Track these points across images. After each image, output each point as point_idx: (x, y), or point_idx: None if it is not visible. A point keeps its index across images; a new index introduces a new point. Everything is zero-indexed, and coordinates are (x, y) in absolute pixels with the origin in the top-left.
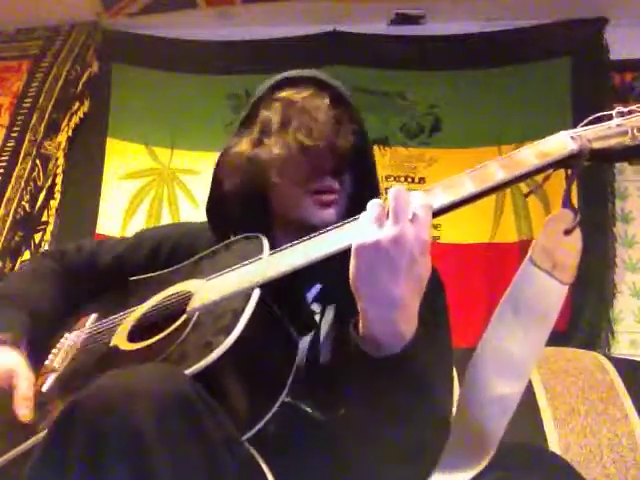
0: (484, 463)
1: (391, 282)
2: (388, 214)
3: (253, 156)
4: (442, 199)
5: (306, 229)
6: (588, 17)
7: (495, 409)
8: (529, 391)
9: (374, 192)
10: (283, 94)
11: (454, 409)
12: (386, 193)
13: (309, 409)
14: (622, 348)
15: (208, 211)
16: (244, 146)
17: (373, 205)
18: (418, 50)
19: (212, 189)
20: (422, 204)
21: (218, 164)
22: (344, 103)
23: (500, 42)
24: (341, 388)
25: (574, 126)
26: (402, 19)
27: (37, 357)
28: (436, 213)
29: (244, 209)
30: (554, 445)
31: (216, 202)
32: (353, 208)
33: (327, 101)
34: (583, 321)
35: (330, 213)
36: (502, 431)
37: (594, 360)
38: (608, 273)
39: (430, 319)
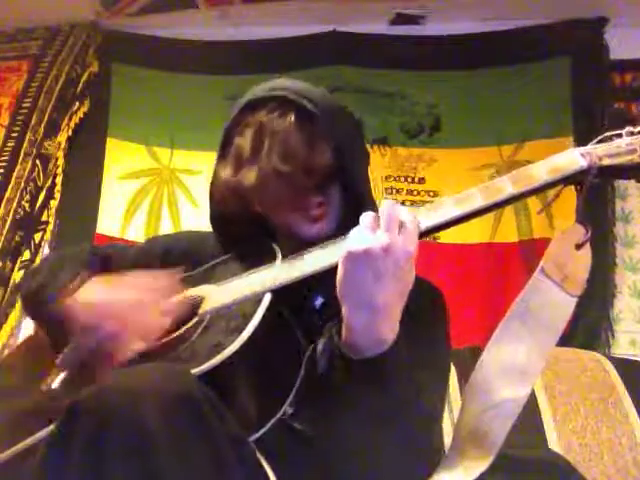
0: (486, 465)
1: (376, 288)
2: (379, 224)
3: (235, 183)
4: (453, 212)
5: (303, 243)
6: (588, 17)
7: (498, 413)
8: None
9: (364, 199)
10: (251, 118)
11: (457, 411)
12: (386, 193)
13: (299, 426)
14: (622, 348)
15: (212, 225)
16: (228, 171)
17: (366, 216)
18: (418, 50)
19: (211, 209)
20: (410, 218)
21: (211, 187)
22: (316, 118)
23: (500, 42)
24: (329, 398)
25: (574, 126)
26: (402, 19)
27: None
28: (448, 224)
29: (245, 226)
30: (554, 445)
31: (217, 220)
32: (345, 218)
33: (293, 120)
34: (583, 321)
35: (319, 227)
36: (504, 435)
37: (594, 360)
38: (608, 273)
39: (425, 328)
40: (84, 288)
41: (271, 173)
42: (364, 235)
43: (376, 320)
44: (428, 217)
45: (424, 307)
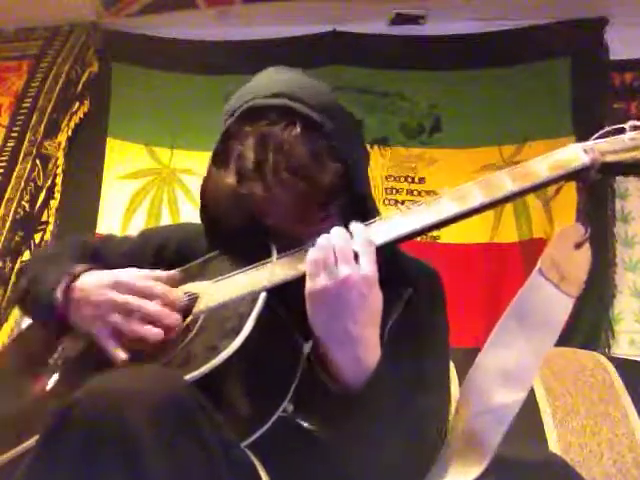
0: (480, 470)
1: (349, 321)
2: (333, 258)
3: (241, 195)
4: (451, 209)
5: (299, 241)
6: (588, 17)
7: (493, 417)
8: (529, 391)
9: (369, 204)
10: (252, 126)
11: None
12: (386, 193)
13: (304, 422)
14: (622, 348)
15: (204, 222)
16: (229, 179)
17: (313, 251)
18: (418, 50)
19: (202, 211)
20: (363, 239)
21: (204, 192)
22: (321, 130)
23: (500, 42)
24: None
25: (574, 126)
26: (402, 19)
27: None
28: (446, 222)
29: (240, 225)
30: (554, 445)
31: (209, 222)
32: (348, 222)
33: (299, 133)
34: (583, 321)
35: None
36: (499, 439)
37: (594, 360)
38: (608, 273)
39: (424, 342)
40: (81, 281)
41: (279, 189)
42: (320, 272)
43: (357, 352)
44: (426, 215)
45: (422, 297)
